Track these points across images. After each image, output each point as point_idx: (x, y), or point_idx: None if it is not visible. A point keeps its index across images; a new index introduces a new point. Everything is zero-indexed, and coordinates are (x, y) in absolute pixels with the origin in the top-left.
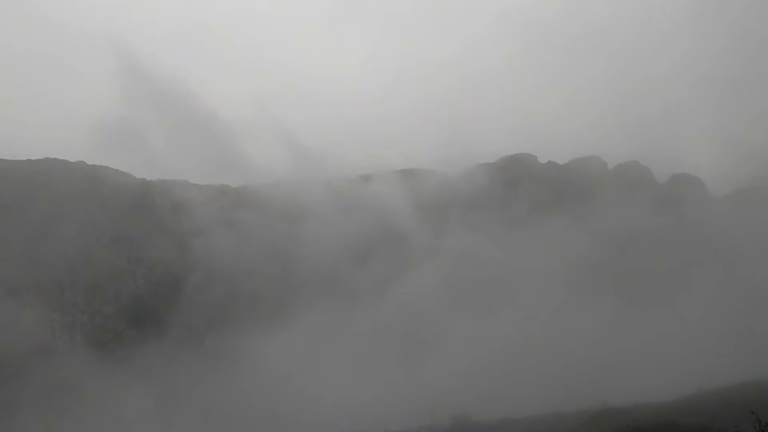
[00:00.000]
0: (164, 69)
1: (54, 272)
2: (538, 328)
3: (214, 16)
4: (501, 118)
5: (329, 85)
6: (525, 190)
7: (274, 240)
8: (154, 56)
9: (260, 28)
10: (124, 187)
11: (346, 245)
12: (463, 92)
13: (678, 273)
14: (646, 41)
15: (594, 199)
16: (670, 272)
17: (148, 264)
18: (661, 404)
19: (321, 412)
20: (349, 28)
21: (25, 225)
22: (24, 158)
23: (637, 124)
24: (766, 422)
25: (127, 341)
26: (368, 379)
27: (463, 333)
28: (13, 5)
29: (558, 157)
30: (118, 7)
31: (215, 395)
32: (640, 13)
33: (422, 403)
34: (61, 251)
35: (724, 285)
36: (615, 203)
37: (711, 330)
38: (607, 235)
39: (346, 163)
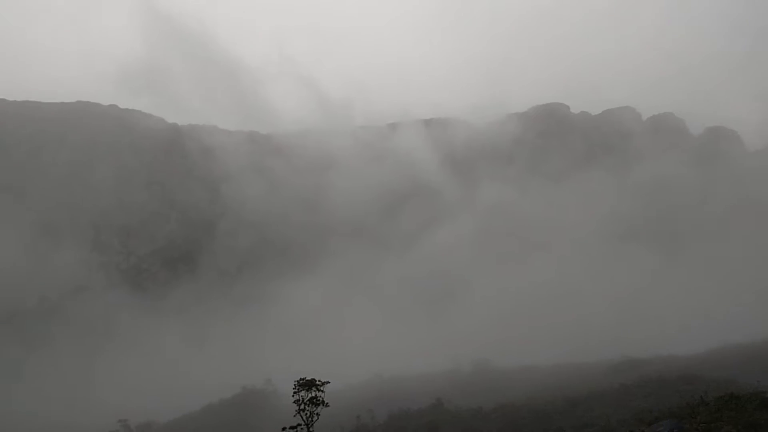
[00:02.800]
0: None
1: (89, 214)
2: (567, 280)
3: None
4: (533, 67)
5: (356, 32)
6: (557, 141)
7: (303, 188)
8: None
9: None
10: (156, 132)
11: (375, 195)
12: (494, 40)
13: (713, 226)
14: None
15: (627, 151)
16: (706, 225)
17: (180, 208)
18: (685, 357)
19: (347, 354)
20: None
21: (60, 166)
22: (58, 101)
23: (673, 76)
24: None
25: (160, 282)
26: (394, 325)
27: (489, 284)
28: None
29: (591, 108)
30: None
31: (244, 336)
32: None
33: (446, 349)
34: (95, 193)
35: (760, 239)
36: (649, 155)
37: (744, 283)
38: (641, 187)
39: (373, 111)
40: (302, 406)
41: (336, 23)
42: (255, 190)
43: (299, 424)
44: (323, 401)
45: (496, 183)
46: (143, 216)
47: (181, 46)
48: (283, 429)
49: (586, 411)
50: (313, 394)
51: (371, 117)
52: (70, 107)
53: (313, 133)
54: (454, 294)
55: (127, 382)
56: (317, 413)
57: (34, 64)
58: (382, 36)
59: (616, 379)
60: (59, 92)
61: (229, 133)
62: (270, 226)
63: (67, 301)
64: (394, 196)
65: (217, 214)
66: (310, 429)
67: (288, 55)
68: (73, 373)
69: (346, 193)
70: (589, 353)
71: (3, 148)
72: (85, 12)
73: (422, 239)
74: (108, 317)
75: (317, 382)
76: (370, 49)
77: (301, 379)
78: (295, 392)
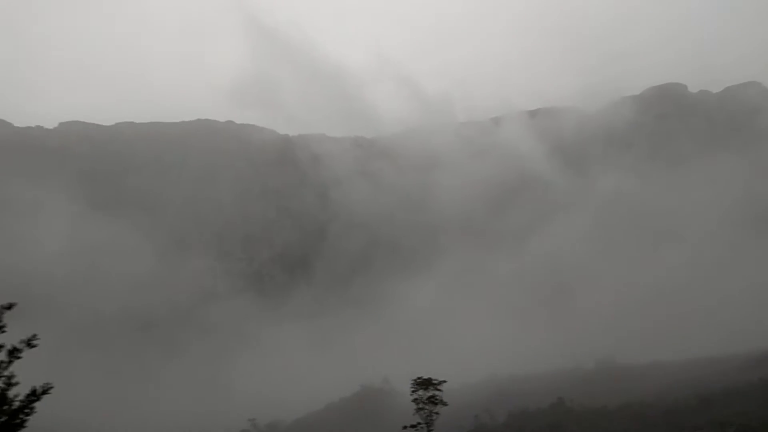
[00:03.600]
0: (285, 21)
1: (213, 225)
2: (697, 270)
3: None
4: (644, 47)
5: (452, 25)
6: (678, 123)
7: (409, 188)
8: (273, 9)
9: None
10: (268, 143)
11: (482, 191)
12: (599, 21)
13: None
14: None
15: (755, 129)
16: None
17: (294, 214)
18: None
19: (462, 353)
20: None
21: (185, 183)
22: (178, 120)
23: None
24: None
25: (280, 286)
26: (508, 324)
27: (611, 277)
28: None
29: (710, 86)
30: None
31: (361, 336)
32: None
33: (565, 346)
34: (218, 205)
35: None
36: None
37: None
38: None
39: (475, 106)
40: (421, 405)
41: (431, 19)
42: (362, 193)
43: (419, 423)
44: (441, 400)
45: (613, 171)
46: (261, 224)
47: (285, 57)
48: (404, 428)
49: (723, 408)
50: (431, 393)
51: (473, 112)
52: (191, 126)
53: (415, 132)
54: (572, 289)
55: (255, 383)
56: (436, 412)
57: (156, 88)
58: (479, 27)
59: (755, 374)
60: (180, 112)
61: (335, 140)
62: (379, 228)
63: (197, 307)
64: (502, 191)
65: (328, 219)
66: (430, 428)
67: (386, 55)
68: (205, 376)
69: (452, 191)
70: (723, 346)
71: (135, 169)
72: (200, 34)
73: (535, 234)
74: (234, 322)
75: (434, 381)
76: (467, 43)
77: (417, 378)
78: (413, 391)
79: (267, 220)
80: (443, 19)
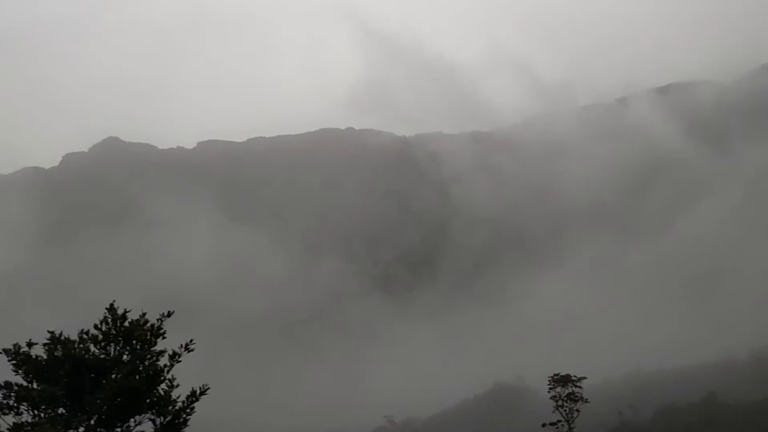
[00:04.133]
0: (396, 25)
1: (340, 227)
2: None
3: None
4: None
5: (558, 8)
6: None
7: (532, 178)
8: (382, 14)
9: None
10: (387, 146)
11: (612, 177)
12: None
13: None
14: None
15: None
16: None
17: (416, 213)
18: None
19: (598, 349)
20: None
21: (312, 189)
22: (304, 131)
23: None
24: None
25: (406, 285)
26: (650, 315)
27: (762, 263)
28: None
29: None
30: None
31: (491, 332)
32: None
33: (714, 337)
34: (344, 208)
35: None
36: None
37: None
38: None
39: (598, 88)
40: (560, 403)
41: (539, 4)
42: (483, 187)
43: (559, 421)
44: (582, 397)
45: (759, 145)
46: (385, 225)
47: (398, 60)
48: (543, 425)
49: None
50: (570, 390)
51: (596, 94)
52: (315, 136)
53: (535, 121)
54: (720, 276)
55: (388, 381)
56: (576, 409)
57: (282, 102)
58: (591, 5)
59: None
60: (305, 123)
61: (452, 137)
62: (502, 222)
63: (330, 308)
64: (634, 175)
65: (449, 216)
66: (571, 426)
67: (499, 46)
68: (341, 374)
69: (579, 178)
70: None
71: (266, 180)
72: (316, 48)
73: (674, 218)
74: (366, 321)
75: (572, 378)
76: (583, 23)
77: (555, 375)
78: (550, 388)
79: (390, 221)
80: (550, 2)
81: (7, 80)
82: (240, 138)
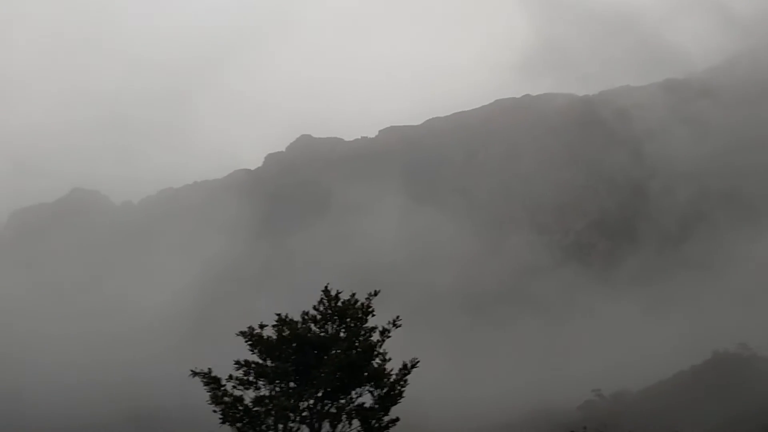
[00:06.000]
0: None
1: (523, 199)
2: None
3: None
4: None
5: None
6: None
7: (739, 127)
8: None
9: None
10: (568, 108)
11: None
12: None
13: None
14: None
15: None
16: None
17: (606, 177)
18: None
19: None
20: None
21: (492, 162)
22: (478, 105)
23: None
24: None
25: (603, 254)
26: None
27: None
28: None
29: None
30: None
31: (703, 299)
32: None
33: None
34: (526, 179)
35: None
36: None
37: None
38: None
39: None
40: None
41: None
42: (683, 140)
43: None
44: None
45: None
46: (572, 192)
47: (565, 15)
48: None
49: None
50: None
51: None
52: (490, 108)
53: (737, 61)
54: None
55: (593, 355)
56: None
57: (451, 79)
58: None
59: None
60: (477, 97)
61: (641, 89)
62: (708, 177)
63: (521, 283)
64: None
65: (645, 176)
66: None
67: None
68: (538, 349)
69: None
70: None
71: (446, 157)
72: (478, 16)
73: None
74: (560, 294)
75: None
76: None
77: None
78: None
79: (577, 188)
80: None
81: (210, 94)
82: (417, 121)
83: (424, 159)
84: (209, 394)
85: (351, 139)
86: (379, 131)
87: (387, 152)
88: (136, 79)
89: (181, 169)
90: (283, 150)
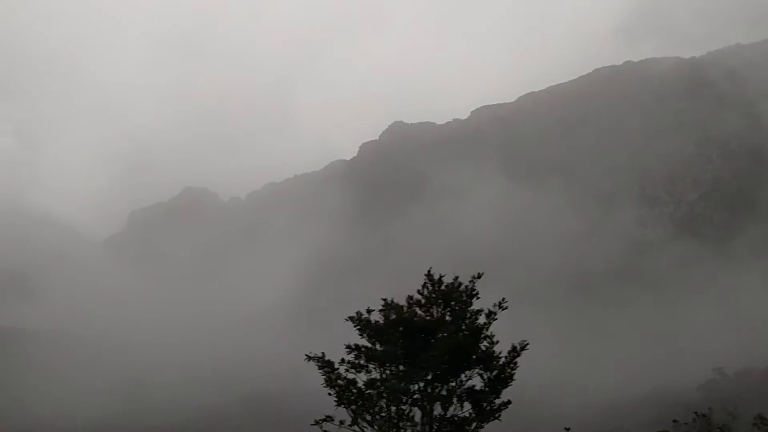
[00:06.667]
0: None
1: (629, 172)
2: None
3: None
4: None
5: None
6: None
7: None
8: None
9: None
10: (674, 72)
11: None
12: None
13: None
14: None
15: None
16: None
17: (719, 143)
18: None
19: None
20: None
21: (590, 135)
22: (576, 76)
23: None
24: None
25: (720, 226)
26: None
27: None
28: None
29: None
30: None
31: None
32: None
33: None
34: (630, 151)
35: None
36: None
37: None
38: None
39: None
40: None
41: None
42: None
43: None
44: None
45: None
46: (682, 161)
47: None
48: None
49: None
50: None
51: None
52: (588, 78)
53: None
54: None
55: (712, 331)
56: None
57: (543, 52)
58: None
59: None
60: (574, 67)
61: (754, 47)
62: None
63: (630, 259)
64: None
65: (762, 140)
66: None
67: None
68: (652, 327)
69: None
70: None
71: (543, 133)
72: None
73: None
74: (674, 270)
75: None
76: None
77: None
78: None
79: (687, 156)
80: None
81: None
82: (510, 98)
83: (519, 136)
84: (324, 377)
85: (443, 123)
86: (471, 112)
87: (480, 132)
88: (237, 77)
89: (282, 163)
90: (377, 138)
